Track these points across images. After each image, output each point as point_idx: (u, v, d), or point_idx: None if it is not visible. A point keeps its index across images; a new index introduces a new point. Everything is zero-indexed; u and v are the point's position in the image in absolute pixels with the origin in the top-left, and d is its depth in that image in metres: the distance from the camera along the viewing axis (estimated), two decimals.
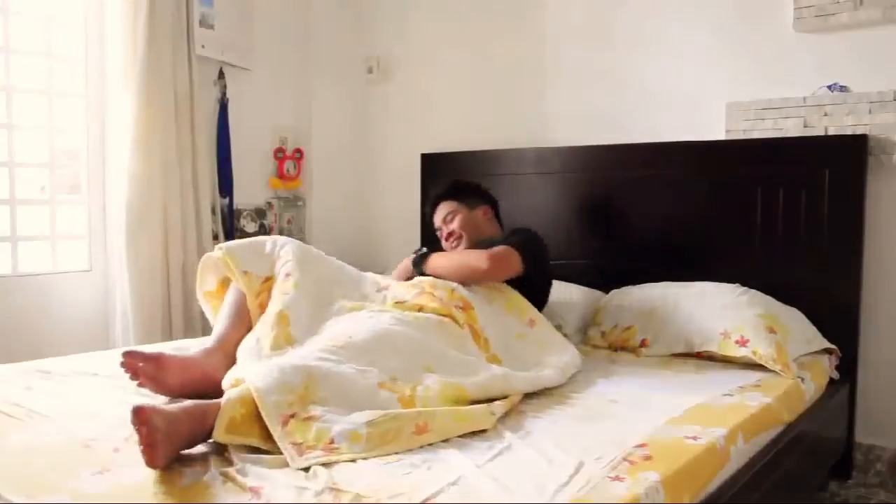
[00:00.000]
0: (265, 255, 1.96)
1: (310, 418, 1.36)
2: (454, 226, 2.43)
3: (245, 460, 1.26)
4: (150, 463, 1.20)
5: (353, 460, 1.28)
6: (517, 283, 2.21)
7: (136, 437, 1.22)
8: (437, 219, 2.50)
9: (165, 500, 1.12)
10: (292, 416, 1.36)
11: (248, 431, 1.33)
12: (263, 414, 1.34)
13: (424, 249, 2.26)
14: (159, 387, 1.61)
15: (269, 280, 1.91)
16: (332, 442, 1.33)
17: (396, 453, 1.32)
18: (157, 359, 1.61)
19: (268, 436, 1.33)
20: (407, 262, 2.26)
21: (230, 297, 1.91)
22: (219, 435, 1.30)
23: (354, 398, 1.46)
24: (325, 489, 1.16)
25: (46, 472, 1.22)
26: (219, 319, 1.88)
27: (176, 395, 1.59)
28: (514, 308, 2.13)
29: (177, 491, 1.15)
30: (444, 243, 2.47)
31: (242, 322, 1.84)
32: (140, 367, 1.60)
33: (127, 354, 1.62)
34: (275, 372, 1.43)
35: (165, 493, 1.14)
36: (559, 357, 1.96)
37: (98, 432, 1.39)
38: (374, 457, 1.30)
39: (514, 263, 2.16)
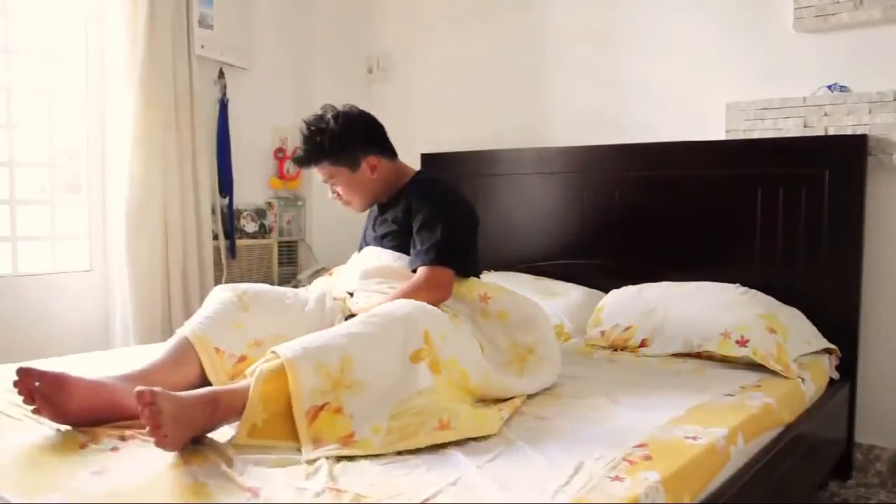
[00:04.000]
0: (239, 328, 1.73)
1: (339, 411, 1.38)
2: (342, 194, 2.10)
3: (245, 461, 1.26)
4: (161, 443, 1.21)
5: (358, 457, 1.29)
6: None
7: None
8: (319, 176, 2.11)
9: (163, 501, 1.12)
10: (322, 407, 1.37)
11: (270, 434, 1.35)
12: (295, 406, 1.35)
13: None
14: (57, 411, 1.38)
15: (244, 360, 1.68)
16: (352, 435, 1.34)
17: (413, 450, 1.32)
18: (57, 378, 1.39)
19: (288, 435, 1.36)
20: None
21: (176, 339, 1.69)
22: (240, 440, 1.32)
23: (388, 379, 1.46)
24: (324, 489, 1.16)
25: (45, 472, 1.22)
26: (156, 355, 1.64)
27: (76, 423, 1.40)
28: (461, 289, 1.93)
29: (174, 491, 1.15)
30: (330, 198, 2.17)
31: (181, 366, 1.62)
32: (36, 386, 1.37)
33: (22, 372, 1.38)
34: (311, 351, 1.41)
35: (163, 494, 1.14)
36: (532, 336, 1.88)
37: (97, 432, 1.38)
38: (391, 451, 1.31)
39: (450, 278, 1.89)
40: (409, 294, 1.79)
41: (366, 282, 2.01)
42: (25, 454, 1.31)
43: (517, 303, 1.92)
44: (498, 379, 1.70)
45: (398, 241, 2.03)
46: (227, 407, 1.34)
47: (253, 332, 1.74)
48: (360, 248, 2.24)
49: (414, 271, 1.92)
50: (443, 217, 1.95)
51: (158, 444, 1.22)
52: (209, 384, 1.63)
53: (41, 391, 1.37)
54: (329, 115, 2.02)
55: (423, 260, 1.90)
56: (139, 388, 1.22)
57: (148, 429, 1.22)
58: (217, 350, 1.66)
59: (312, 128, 2.00)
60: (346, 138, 2.00)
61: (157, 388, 1.24)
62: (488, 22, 3.23)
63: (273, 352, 1.43)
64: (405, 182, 2.10)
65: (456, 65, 3.34)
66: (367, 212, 2.25)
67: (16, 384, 1.38)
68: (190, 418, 1.26)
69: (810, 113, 2.46)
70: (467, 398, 1.60)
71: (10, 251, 2.62)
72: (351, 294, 2.04)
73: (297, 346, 1.43)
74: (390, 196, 2.11)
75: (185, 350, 1.64)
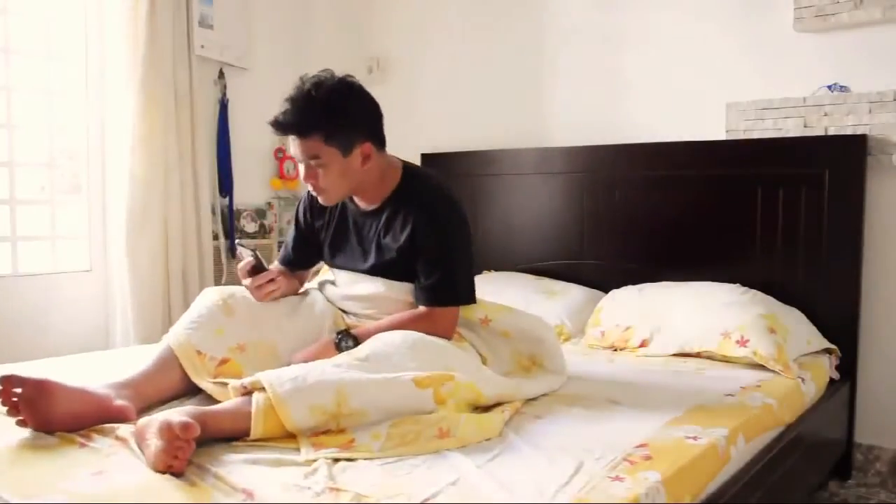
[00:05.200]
0: (221, 333, 1.69)
1: (342, 432, 1.37)
2: (320, 178, 1.73)
3: (243, 461, 1.26)
4: (171, 469, 1.20)
5: (356, 459, 1.28)
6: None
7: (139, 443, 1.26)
8: (295, 150, 1.72)
9: (159, 501, 1.12)
10: (325, 432, 1.37)
11: (269, 439, 1.35)
12: (298, 438, 1.35)
13: (345, 329, 1.82)
14: (43, 418, 1.36)
15: (226, 362, 1.66)
16: (351, 441, 1.34)
17: (414, 455, 1.31)
18: (40, 384, 1.37)
19: (286, 437, 1.37)
20: (328, 344, 1.75)
21: (161, 347, 1.68)
22: (240, 444, 1.33)
23: (390, 402, 1.42)
24: (324, 489, 1.15)
25: (44, 472, 1.22)
26: (143, 364, 1.62)
27: (61, 429, 1.37)
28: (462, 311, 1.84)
29: (170, 492, 1.15)
30: (301, 177, 1.78)
31: (167, 372, 1.60)
32: (19, 393, 1.35)
33: (4, 380, 1.35)
34: (304, 392, 1.36)
35: (159, 495, 1.14)
36: (541, 349, 1.89)
37: (96, 432, 1.38)
38: (390, 457, 1.30)
39: (456, 317, 1.80)
40: (410, 326, 1.69)
41: (357, 304, 1.91)
42: (24, 454, 1.30)
43: (520, 324, 1.88)
44: (511, 386, 1.69)
45: (400, 269, 1.80)
46: (212, 429, 1.32)
47: (235, 338, 1.71)
48: (325, 254, 1.96)
49: (418, 301, 1.79)
50: (450, 248, 1.78)
51: (169, 469, 1.20)
52: (193, 385, 1.62)
53: (25, 397, 1.36)
54: (332, 83, 1.70)
55: (428, 298, 1.76)
56: (185, 422, 1.22)
57: (164, 455, 1.20)
58: (199, 353, 1.64)
59: (312, 91, 1.67)
60: (347, 115, 1.69)
61: (188, 421, 1.23)
62: (488, 22, 3.23)
63: (260, 383, 1.39)
64: (394, 185, 1.82)
65: (456, 65, 3.33)
66: (305, 211, 1.97)
67: None
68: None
69: (810, 113, 2.45)
70: (470, 410, 1.57)
71: (10, 251, 2.62)
72: (344, 311, 1.95)
73: (287, 380, 1.38)
74: (369, 199, 1.83)
75: (170, 357, 1.63)
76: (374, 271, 1.84)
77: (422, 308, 1.78)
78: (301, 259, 2.01)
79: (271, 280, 1.78)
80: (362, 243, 1.88)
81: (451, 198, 1.83)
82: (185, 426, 1.21)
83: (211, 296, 1.78)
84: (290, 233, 2.03)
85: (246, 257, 1.79)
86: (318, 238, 1.97)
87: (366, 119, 1.75)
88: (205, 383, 1.61)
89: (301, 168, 1.75)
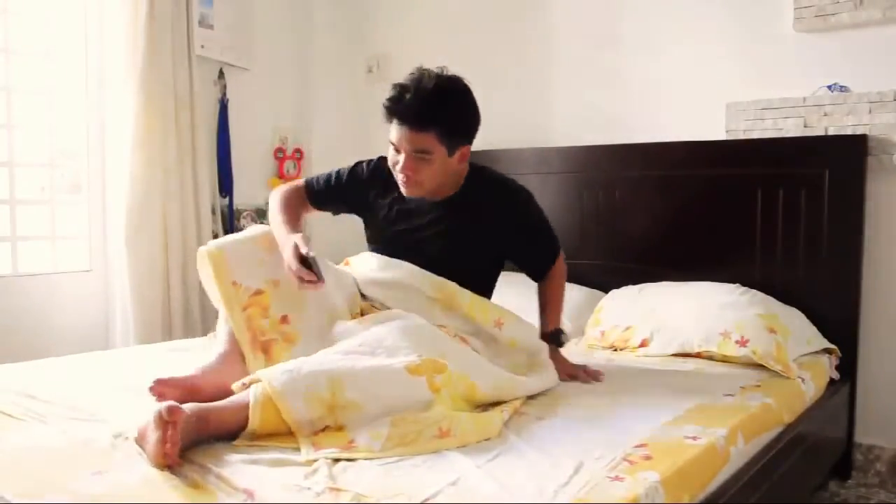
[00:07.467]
0: (262, 264, 1.71)
1: (341, 429, 1.38)
2: (420, 171, 1.79)
3: (243, 461, 1.26)
4: (168, 461, 1.21)
5: (356, 459, 1.28)
6: (495, 266, 2.05)
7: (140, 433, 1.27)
8: (401, 139, 1.77)
9: (160, 501, 1.12)
10: (324, 429, 1.38)
11: (268, 439, 1.36)
12: (296, 431, 1.35)
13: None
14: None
15: (260, 293, 1.69)
16: (351, 441, 1.35)
17: (414, 455, 1.31)
18: (190, 387, 1.48)
19: (286, 436, 1.37)
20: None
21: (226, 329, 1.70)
22: (241, 444, 1.33)
23: (385, 392, 1.44)
24: (324, 489, 1.15)
25: (45, 472, 1.22)
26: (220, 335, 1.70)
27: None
28: (477, 313, 1.89)
29: (170, 492, 1.15)
30: (390, 162, 1.85)
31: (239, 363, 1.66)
32: (169, 394, 1.44)
33: (158, 383, 1.47)
34: (299, 382, 1.38)
35: (160, 494, 1.14)
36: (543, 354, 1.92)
37: (97, 433, 1.39)
38: (390, 457, 1.30)
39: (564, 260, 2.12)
40: (558, 291, 2.05)
41: (381, 290, 1.89)
42: (25, 454, 1.30)
43: (531, 335, 1.93)
44: (506, 379, 1.69)
45: (464, 257, 1.90)
46: (216, 427, 1.33)
47: (272, 273, 1.71)
48: (367, 235, 2.04)
49: (539, 273, 2.06)
50: (539, 216, 2.02)
51: (167, 460, 1.21)
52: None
53: (176, 399, 1.36)
54: (456, 84, 1.82)
55: (547, 259, 2.05)
56: (170, 404, 1.24)
57: (159, 445, 1.21)
58: (234, 283, 1.67)
59: (442, 90, 1.76)
60: (465, 117, 1.81)
61: (179, 405, 1.25)
62: (488, 22, 3.22)
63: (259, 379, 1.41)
64: (462, 178, 1.97)
65: (456, 65, 3.32)
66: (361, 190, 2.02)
67: (151, 390, 1.46)
68: (187, 434, 1.26)
69: (810, 113, 2.45)
70: (468, 407, 1.58)
71: (10, 251, 2.62)
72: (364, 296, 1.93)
73: (283, 373, 1.40)
74: (444, 192, 1.93)
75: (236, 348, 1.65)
76: (431, 260, 1.87)
77: (548, 273, 2.03)
78: (322, 198, 2.04)
79: (312, 282, 1.66)
80: (415, 232, 1.93)
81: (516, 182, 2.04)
82: (170, 409, 1.22)
83: (257, 230, 1.81)
84: (334, 175, 2.04)
85: (303, 251, 1.66)
86: (355, 202, 2.03)
87: (475, 123, 1.86)
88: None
89: (400, 157, 1.78)
